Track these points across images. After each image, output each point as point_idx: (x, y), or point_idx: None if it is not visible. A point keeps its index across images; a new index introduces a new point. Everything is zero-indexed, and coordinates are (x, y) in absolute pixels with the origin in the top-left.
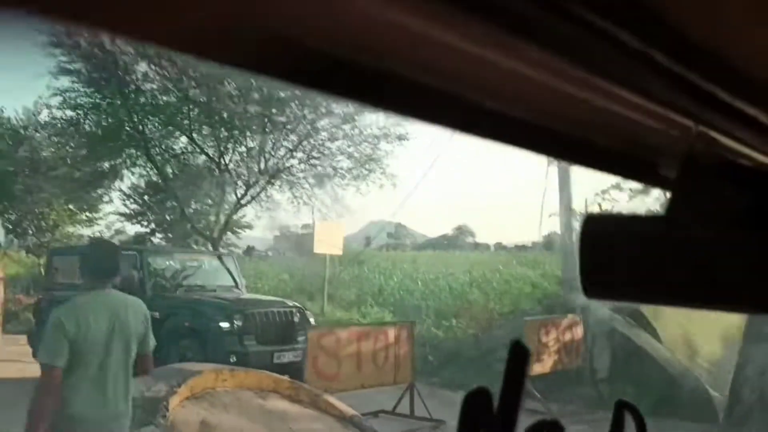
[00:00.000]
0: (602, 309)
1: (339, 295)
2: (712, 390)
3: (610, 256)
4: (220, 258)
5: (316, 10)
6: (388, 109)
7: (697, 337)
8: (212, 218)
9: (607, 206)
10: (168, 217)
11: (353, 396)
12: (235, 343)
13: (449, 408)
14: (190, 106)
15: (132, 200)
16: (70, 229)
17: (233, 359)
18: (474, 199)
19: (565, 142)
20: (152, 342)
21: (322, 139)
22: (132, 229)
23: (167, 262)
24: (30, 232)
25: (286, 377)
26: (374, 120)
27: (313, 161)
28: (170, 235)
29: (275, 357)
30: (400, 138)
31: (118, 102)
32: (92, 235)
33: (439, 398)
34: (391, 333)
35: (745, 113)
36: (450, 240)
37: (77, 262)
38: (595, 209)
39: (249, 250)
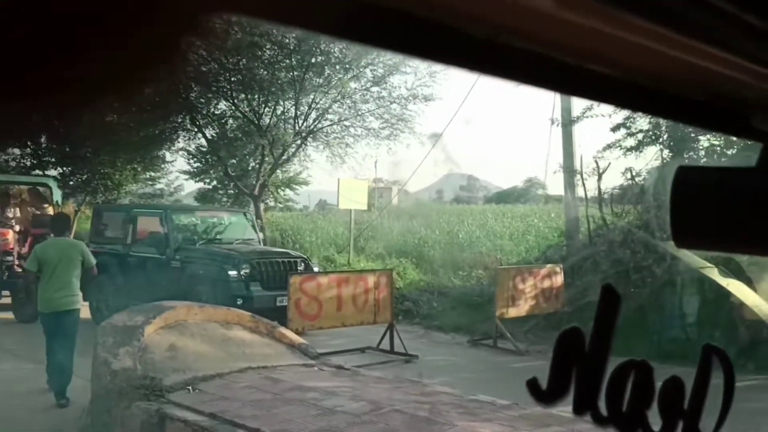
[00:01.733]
0: (693, 257)
1: (369, 247)
2: None
3: (701, 207)
4: (244, 214)
5: None
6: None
7: None
8: (253, 177)
9: (603, 165)
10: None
11: (345, 335)
12: (241, 289)
13: (436, 347)
14: (230, 74)
15: (195, 159)
16: (134, 187)
17: (239, 302)
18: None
19: (660, 98)
20: (91, 260)
21: (353, 101)
22: (193, 186)
23: (190, 219)
24: (99, 190)
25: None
26: (403, 81)
27: (345, 122)
28: (230, 191)
29: (277, 301)
30: (427, 98)
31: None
32: (153, 192)
33: (430, 338)
34: (371, 279)
35: None
36: (520, 192)
37: (118, 218)
38: (591, 166)
39: (321, 204)
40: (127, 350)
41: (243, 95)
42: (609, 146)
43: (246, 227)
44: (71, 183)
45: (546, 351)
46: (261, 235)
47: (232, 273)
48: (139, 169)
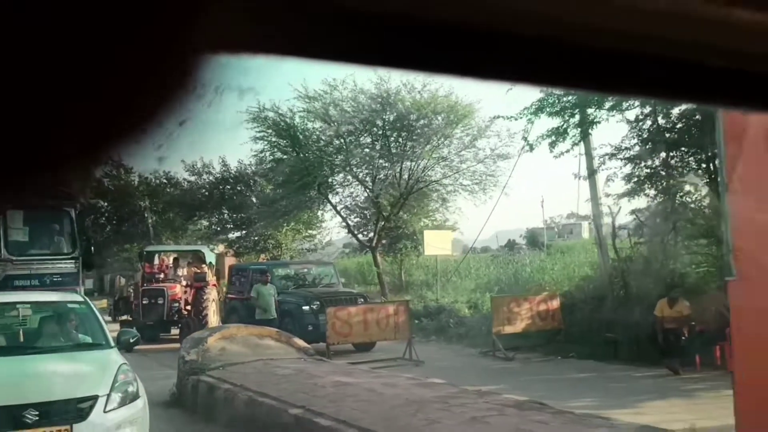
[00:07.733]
0: None
1: (462, 285)
2: None
3: None
4: (332, 265)
5: None
6: None
7: None
8: (371, 231)
9: (615, 209)
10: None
11: (383, 350)
12: (312, 319)
13: (448, 355)
14: (346, 151)
15: (354, 214)
16: (294, 245)
17: (310, 328)
18: None
19: None
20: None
21: (447, 163)
22: (346, 239)
23: (287, 271)
24: (267, 249)
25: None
26: (487, 143)
27: (443, 181)
28: (384, 242)
29: None
30: (502, 157)
31: (295, 154)
32: (309, 248)
33: (452, 350)
34: (391, 308)
35: None
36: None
37: (247, 275)
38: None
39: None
40: (195, 351)
41: (350, 168)
42: (622, 195)
43: (331, 275)
44: (246, 244)
45: (531, 358)
46: (342, 279)
47: (305, 308)
48: (298, 229)
